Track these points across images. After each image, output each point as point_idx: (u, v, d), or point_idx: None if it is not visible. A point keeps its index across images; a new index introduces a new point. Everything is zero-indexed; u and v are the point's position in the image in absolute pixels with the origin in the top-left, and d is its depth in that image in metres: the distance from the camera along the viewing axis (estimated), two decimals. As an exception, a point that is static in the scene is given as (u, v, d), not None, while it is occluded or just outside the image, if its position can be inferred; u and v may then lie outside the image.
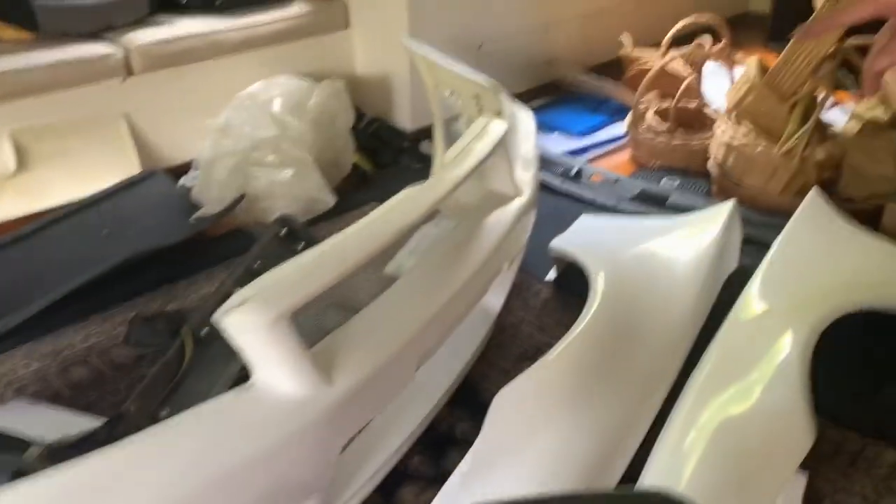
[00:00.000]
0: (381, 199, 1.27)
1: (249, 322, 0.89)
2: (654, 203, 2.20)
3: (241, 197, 1.99)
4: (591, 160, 2.57)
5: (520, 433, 1.28)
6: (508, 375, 1.56)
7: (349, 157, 2.32)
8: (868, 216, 2.01)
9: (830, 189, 2.11)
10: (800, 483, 1.23)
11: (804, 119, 2.05)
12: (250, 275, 1.65)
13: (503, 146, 1.43)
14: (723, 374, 1.39)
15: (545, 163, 2.43)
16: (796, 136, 2.03)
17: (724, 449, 1.25)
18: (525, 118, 1.82)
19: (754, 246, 1.99)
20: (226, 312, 0.89)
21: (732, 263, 1.89)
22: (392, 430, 1.34)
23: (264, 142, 2.02)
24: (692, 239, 1.79)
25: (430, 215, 1.34)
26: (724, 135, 2.18)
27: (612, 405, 1.36)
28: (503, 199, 1.45)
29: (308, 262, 0.97)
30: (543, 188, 2.36)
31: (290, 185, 2.03)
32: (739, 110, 2.15)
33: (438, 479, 1.31)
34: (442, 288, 1.20)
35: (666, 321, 1.57)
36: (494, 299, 1.63)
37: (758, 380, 1.36)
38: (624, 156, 2.60)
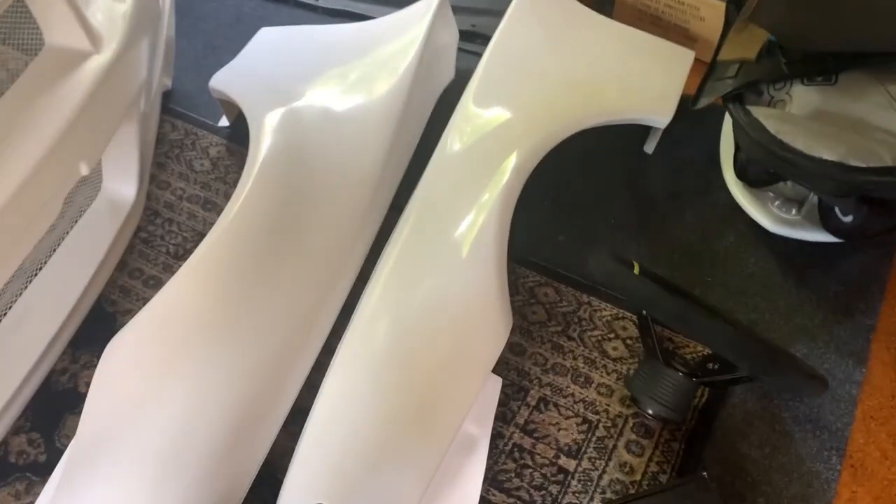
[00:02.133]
0: None
1: None
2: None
3: None
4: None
5: (137, 396, 0.94)
6: (159, 284, 1.21)
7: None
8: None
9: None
10: (493, 390, 1.02)
11: None
12: None
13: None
14: (413, 259, 1.10)
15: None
16: None
17: (411, 363, 0.99)
18: None
19: (481, 41, 1.64)
20: None
21: (447, 74, 1.54)
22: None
23: None
24: (389, 53, 1.40)
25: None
26: None
27: (268, 326, 1.04)
28: (70, 61, 0.97)
29: None
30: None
31: None
32: None
33: (53, 463, 0.97)
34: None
35: (353, 181, 1.23)
36: (121, 185, 1.20)
37: (450, 266, 1.08)
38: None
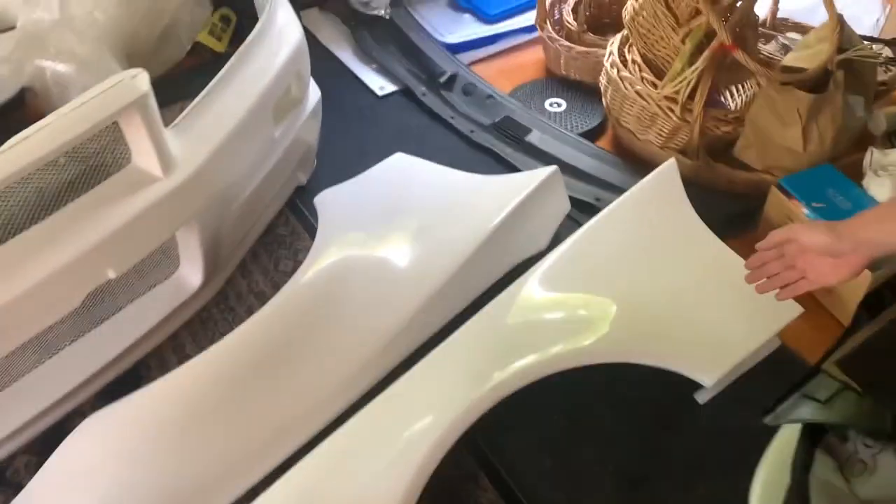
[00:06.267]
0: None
1: None
2: (513, 138, 1.78)
3: (21, 91, 1.77)
4: (489, 57, 2.08)
5: (87, 469, 1.12)
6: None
7: (191, 30, 1.99)
8: (760, 195, 1.53)
9: (729, 147, 1.61)
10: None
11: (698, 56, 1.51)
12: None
13: (143, 108, 1.11)
14: (358, 437, 1.13)
15: (420, 61, 2.00)
16: (681, 77, 1.51)
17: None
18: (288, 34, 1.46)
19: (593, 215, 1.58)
20: None
21: (538, 243, 1.50)
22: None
23: (38, 30, 1.75)
24: (474, 213, 1.43)
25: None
26: (608, 59, 1.67)
27: (216, 452, 1.15)
28: (136, 182, 1.16)
29: None
30: (406, 94, 1.96)
31: (77, 78, 1.78)
32: (632, 29, 1.62)
33: (30, 490, 1.19)
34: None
35: (365, 333, 1.28)
36: (189, 273, 1.39)
37: (376, 461, 1.09)
38: (536, 55, 2.09)
